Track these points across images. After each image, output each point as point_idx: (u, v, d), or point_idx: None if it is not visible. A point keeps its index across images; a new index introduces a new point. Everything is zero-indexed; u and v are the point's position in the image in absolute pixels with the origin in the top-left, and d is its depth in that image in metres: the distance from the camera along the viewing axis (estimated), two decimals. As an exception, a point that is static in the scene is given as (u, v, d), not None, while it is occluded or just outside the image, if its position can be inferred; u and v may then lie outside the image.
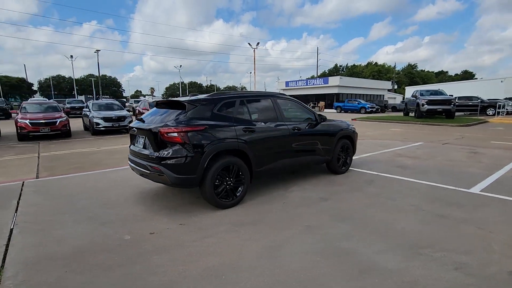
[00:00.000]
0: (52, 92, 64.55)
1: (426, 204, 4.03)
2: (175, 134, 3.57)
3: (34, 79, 75.49)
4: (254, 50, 37.36)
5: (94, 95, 54.80)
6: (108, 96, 54.84)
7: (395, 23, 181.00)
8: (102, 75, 77.73)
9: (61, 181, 5.57)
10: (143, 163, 3.88)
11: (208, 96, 4.19)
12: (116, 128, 13.30)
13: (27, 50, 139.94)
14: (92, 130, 13.08)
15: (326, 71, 76.54)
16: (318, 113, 5.51)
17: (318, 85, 39.77)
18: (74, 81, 53.97)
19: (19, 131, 11.40)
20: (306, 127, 5.01)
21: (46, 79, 70.89)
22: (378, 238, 3.08)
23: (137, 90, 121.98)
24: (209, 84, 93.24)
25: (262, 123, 4.39)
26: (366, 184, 5.05)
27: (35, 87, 69.26)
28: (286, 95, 5.24)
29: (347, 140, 5.81)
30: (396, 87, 63.12)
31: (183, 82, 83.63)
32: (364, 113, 29.86)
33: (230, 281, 2.38)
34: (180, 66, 71.41)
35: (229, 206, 3.95)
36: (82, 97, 45.45)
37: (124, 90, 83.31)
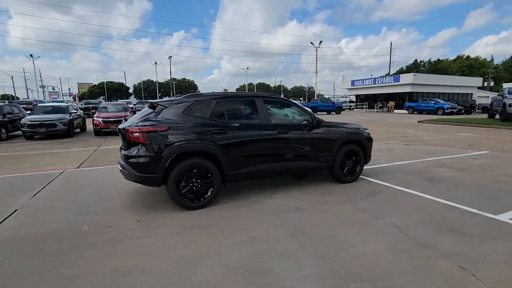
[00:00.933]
0: (143, 94, 73.96)
1: (417, 228, 3.27)
2: (138, 134, 3.69)
3: (131, 84, 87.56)
4: (316, 49, 36.12)
5: (172, 96, 61.04)
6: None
7: (498, 9, 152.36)
8: (182, 78, 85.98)
9: (89, 173, 6.33)
10: (120, 160, 4.13)
11: (181, 97, 4.20)
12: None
13: (130, 59, 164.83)
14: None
15: (404, 67, 69.11)
16: (318, 116, 5.02)
17: (387, 83, 36.02)
18: (156, 84, 60.80)
19: (94, 127, 13.35)
20: (297, 130, 4.60)
21: (139, 83, 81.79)
22: (316, 261, 2.62)
23: (213, 92, 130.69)
24: (277, 85, 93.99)
25: (238, 125, 4.20)
26: (365, 197, 4.38)
27: (130, 90, 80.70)
28: (278, 96, 4.91)
29: (355, 146, 5.12)
30: (492, 84, 53.16)
31: (251, 83, 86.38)
32: (442, 115, 25.96)
33: (125, 283, 2.34)
34: (247, 68, 73.77)
35: (195, 208, 3.90)
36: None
37: (199, 92, 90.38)
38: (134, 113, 18.55)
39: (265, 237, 3.11)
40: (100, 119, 13.32)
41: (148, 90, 77.89)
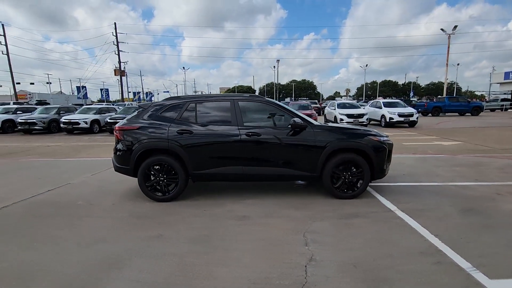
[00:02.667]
0: (276, 96, 79.78)
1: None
2: (116, 132, 4.33)
3: (257, 86, 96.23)
4: (449, 36, 29.19)
5: (293, 97, 63.11)
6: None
7: None
8: (302, 79, 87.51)
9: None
10: None
11: (162, 100, 4.58)
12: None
13: (264, 64, 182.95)
14: None
15: None
16: (309, 119, 4.40)
17: None
18: (275, 86, 64.40)
19: None
20: (275, 134, 4.20)
21: (263, 86, 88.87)
22: (157, 267, 2.47)
23: (336, 92, 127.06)
24: (406, 82, 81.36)
25: (205, 127, 4.23)
26: (333, 217, 3.60)
27: (257, 93, 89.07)
28: (258, 98, 4.58)
29: (354, 156, 4.19)
30: None
31: (374, 81, 78.48)
32: None
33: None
34: (366, 65, 67.15)
35: (160, 200, 4.24)
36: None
37: (320, 92, 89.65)
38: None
39: (170, 237, 3.12)
40: None
41: (270, 92, 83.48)
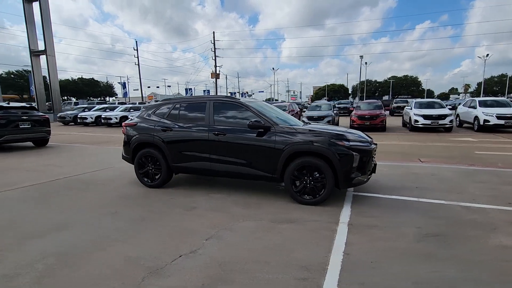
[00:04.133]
0: (364, 94, 74.56)
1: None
2: (123, 127, 5.28)
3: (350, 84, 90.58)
4: None
5: (390, 95, 57.02)
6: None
7: None
8: (404, 75, 77.28)
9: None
10: None
11: (160, 101, 5.27)
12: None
13: (365, 60, 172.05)
14: None
15: None
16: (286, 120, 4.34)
17: None
18: (365, 84, 59.19)
19: (350, 123, 14.58)
20: (237, 134, 4.34)
21: (357, 84, 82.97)
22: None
23: (452, 88, 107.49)
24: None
25: (182, 125, 4.71)
26: (272, 222, 3.54)
27: (350, 91, 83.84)
28: (230, 100, 4.73)
29: (315, 160, 3.93)
30: None
31: (503, 74, 62.26)
32: None
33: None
34: (487, 55, 53.59)
35: (150, 186, 4.97)
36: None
37: (426, 89, 76.99)
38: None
39: (121, 214, 3.75)
40: (357, 116, 14.57)
41: (366, 91, 77.23)
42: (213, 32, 43.31)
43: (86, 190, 4.86)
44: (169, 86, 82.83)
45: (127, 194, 4.67)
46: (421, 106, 14.49)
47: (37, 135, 10.25)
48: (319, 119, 15.20)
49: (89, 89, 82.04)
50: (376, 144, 4.48)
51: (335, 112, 17.23)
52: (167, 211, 3.91)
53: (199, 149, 4.59)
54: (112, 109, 22.33)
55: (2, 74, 65.26)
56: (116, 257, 2.68)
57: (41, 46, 28.00)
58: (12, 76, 64.67)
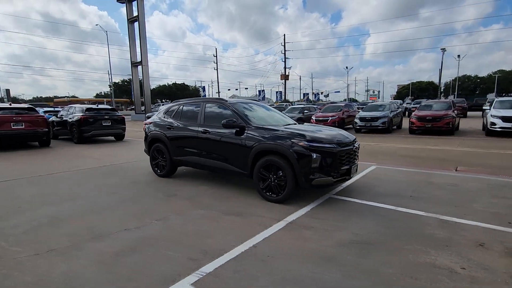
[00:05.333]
0: (456, 92, 64.24)
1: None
2: (143, 125, 6.26)
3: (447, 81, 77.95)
4: None
5: (495, 93, 47.50)
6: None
7: None
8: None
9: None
10: None
11: (172, 102, 6.03)
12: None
13: (471, 52, 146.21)
14: None
15: None
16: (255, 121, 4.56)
17: None
18: (456, 80, 50.14)
19: (410, 125, 13.19)
20: (218, 132, 4.74)
21: (451, 80, 71.16)
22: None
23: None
24: None
25: (180, 123, 5.35)
26: (222, 214, 3.85)
27: (442, 89, 72.52)
28: (217, 101, 5.11)
29: (276, 159, 4.03)
30: None
31: None
32: None
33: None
34: None
35: (160, 176, 5.80)
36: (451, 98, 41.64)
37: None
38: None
39: (122, 195, 4.61)
40: (416, 117, 13.00)
41: (461, 87, 65.61)
42: (284, 35, 44.22)
43: (110, 176, 6.00)
44: (246, 88, 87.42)
45: (137, 180, 5.58)
46: (502, 105, 11.92)
47: (115, 131, 12.62)
48: (372, 120, 14.17)
49: (180, 93, 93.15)
50: (352, 147, 4.25)
51: (397, 112, 15.65)
52: (152, 195, 4.61)
53: (191, 145, 5.17)
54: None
55: (118, 82, 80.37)
56: (83, 224, 3.45)
57: (139, 58, 33.45)
58: (125, 83, 78.92)
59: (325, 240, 2.97)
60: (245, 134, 4.41)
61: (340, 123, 15.81)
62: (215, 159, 4.84)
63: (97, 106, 13.13)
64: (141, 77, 33.83)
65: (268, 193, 4.20)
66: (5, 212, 3.86)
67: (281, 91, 61.41)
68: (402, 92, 73.23)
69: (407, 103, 31.47)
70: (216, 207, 4.04)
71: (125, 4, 34.21)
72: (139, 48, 32.64)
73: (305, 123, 5.48)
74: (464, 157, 7.60)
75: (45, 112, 15.69)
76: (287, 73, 43.91)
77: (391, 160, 7.36)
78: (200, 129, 5.00)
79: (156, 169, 5.90)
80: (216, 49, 54.08)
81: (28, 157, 8.52)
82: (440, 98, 46.17)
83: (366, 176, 5.73)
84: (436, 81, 63.99)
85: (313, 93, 74.09)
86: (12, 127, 9.93)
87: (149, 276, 2.35)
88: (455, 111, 13.38)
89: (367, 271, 2.41)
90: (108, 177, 5.88)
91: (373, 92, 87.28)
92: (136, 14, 32.43)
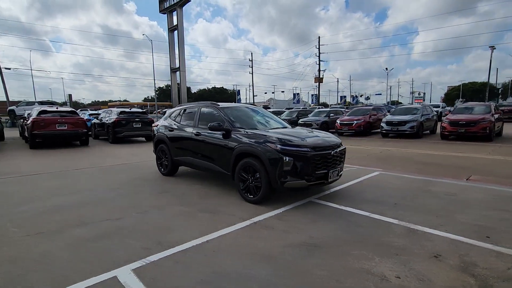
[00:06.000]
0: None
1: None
2: (152, 128, 6.78)
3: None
4: None
5: None
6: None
7: None
8: None
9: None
10: None
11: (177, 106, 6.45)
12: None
13: None
14: None
15: None
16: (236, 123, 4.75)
17: None
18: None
19: (441, 130, 12.25)
20: (207, 134, 5.00)
21: (508, 81, 63.39)
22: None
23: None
24: None
25: (179, 125, 5.73)
26: (197, 211, 4.10)
27: (500, 90, 64.94)
28: (210, 105, 5.37)
29: (253, 161, 4.17)
30: None
31: None
32: None
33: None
34: None
35: (164, 174, 6.25)
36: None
37: None
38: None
39: (121, 189, 5.11)
40: (448, 121, 11.83)
41: (509, 88, 58.06)
42: (318, 37, 43.31)
43: (122, 173, 6.60)
44: (282, 92, 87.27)
45: (142, 177, 6.09)
46: None
47: (145, 133, 13.63)
48: (399, 124, 13.43)
49: (219, 96, 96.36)
50: (331, 152, 4.22)
51: (429, 116, 14.56)
52: (147, 191, 5.03)
53: (187, 146, 5.52)
54: (304, 113, 21.65)
55: (163, 87, 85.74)
56: (77, 213, 3.94)
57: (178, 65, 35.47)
58: (169, 88, 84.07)
59: (277, 241, 3.05)
60: (230, 137, 4.61)
61: (366, 127, 15.22)
62: (205, 160, 5.12)
63: (130, 109, 14.32)
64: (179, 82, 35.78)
65: (246, 194, 4.35)
66: (21, 200, 4.54)
67: (316, 94, 60.30)
68: (452, 94, 67.11)
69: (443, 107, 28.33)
70: (197, 204, 4.29)
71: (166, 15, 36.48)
72: (178, 55, 34.73)
73: (297, 127, 5.51)
74: (489, 166, 6.92)
75: (90, 115, 17.46)
76: (321, 76, 43.09)
77: (402, 167, 6.99)
78: (194, 131, 5.32)
79: (161, 168, 6.37)
80: (251, 53, 55.25)
81: (66, 154, 9.67)
82: (496, 101, 41.42)
83: (362, 181, 5.57)
84: (493, 81, 57.70)
85: (351, 96, 71.50)
86: (57, 128, 11.32)
87: (102, 260, 2.68)
88: (496, 115, 12.09)
89: (299, 271, 2.47)
90: (119, 173, 6.49)
91: (419, 94, 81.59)
92: (176, 23, 34.55)
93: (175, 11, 34.58)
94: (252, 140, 4.27)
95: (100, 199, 4.58)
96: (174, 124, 5.97)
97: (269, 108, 40.90)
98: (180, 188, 5.20)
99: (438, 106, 25.26)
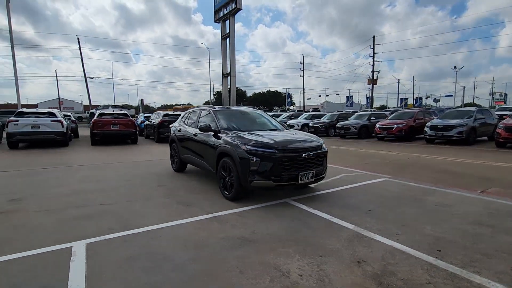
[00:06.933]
0: None
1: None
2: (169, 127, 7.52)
3: None
4: None
5: None
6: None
7: None
8: None
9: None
10: None
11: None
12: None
13: None
14: None
15: None
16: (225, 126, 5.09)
17: None
18: None
19: (495, 137, 10.98)
20: (201, 135, 5.43)
21: None
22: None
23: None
24: None
25: (187, 126, 6.29)
26: (178, 204, 4.55)
27: None
28: (206, 108, 5.75)
29: (229, 160, 4.45)
30: None
31: None
32: None
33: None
34: None
35: (175, 171, 6.92)
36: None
37: None
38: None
39: (131, 181, 5.89)
40: (504, 127, 10.44)
41: None
42: (373, 37, 40.60)
43: (144, 167, 7.47)
44: (337, 94, 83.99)
45: (156, 172, 6.83)
46: None
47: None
48: (444, 129, 12.09)
49: (273, 100, 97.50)
50: (302, 154, 4.24)
51: (485, 120, 12.71)
52: (149, 184, 5.68)
53: (189, 145, 6.05)
54: (345, 117, 21.27)
55: (220, 91, 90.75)
56: (84, 198, 4.73)
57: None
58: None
59: (219, 233, 3.29)
60: (218, 137, 4.96)
61: (408, 132, 14.03)
62: (200, 158, 5.57)
63: (173, 112, 15.75)
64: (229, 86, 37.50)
65: (224, 191, 4.65)
66: (54, 184, 5.61)
67: (371, 97, 56.63)
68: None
69: None
70: (180, 197, 4.75)
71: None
72: (229, 61, 36.51)
73: (288, 129, 5.56)
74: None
75: (145, 117, 19.70)
76: (375, 77, 40.44)
77: (417, 174, 6.44)
78: (193, 132, 5.83)
79: (173, 164, 7.06)
80: (303, 56, 54.47)
81: (115, 150, 11.21)
82: None
83: (359, 187, 5.38)
84: None
85: (414, 98, 65.23)
86: (111, 128, 13.16)
87: (72, 234, 3.26)
88: None
89: (216, 260, 2.68)
90: (141, 168, 7.38)
91: (500, 95, 70.33)
92: (228, 31, 36.41)
93: (228, 20, 36.48)
94: (230, 141, 4.56)
95: (109, 188, 5.38)
96: (182, 126, 6.58)
97: (319, 111, 39.98)
98: (176, 183, 5.75)
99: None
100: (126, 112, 15.02)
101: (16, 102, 20.26)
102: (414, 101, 64.05)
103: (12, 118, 11.81)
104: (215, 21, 39.65)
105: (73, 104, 75.60)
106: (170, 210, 4.11)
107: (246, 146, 4.21)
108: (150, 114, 20.67)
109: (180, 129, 6.60)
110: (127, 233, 3.29)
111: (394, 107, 54.93)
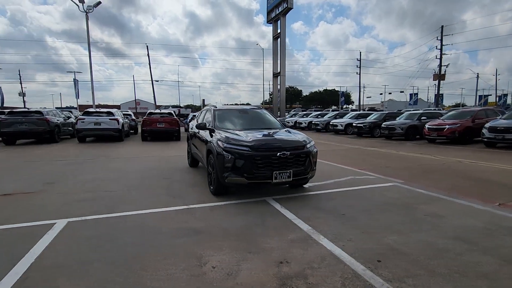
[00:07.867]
0: None
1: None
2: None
3: None
4: None
5: None
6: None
7: None
8: None
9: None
10: None
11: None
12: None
13: None
14: None
15: None
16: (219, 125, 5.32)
17: None
18: None
19: None
20: (202, 132, 5.76)
21: None
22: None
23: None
24: None
25: (194, 124, 6.69)
26: (167, 195, 4.95)
27: None
28: (212, 107, 5.98)
29: (212, 157, 4.67)
30: None
31: None
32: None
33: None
34: None
35: (189, 165, 7.44)
36: None
37: None
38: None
39: (143, 175, 6.56)
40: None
41: None
42: (442, 26, 35.87)
43: (166, 161, 8.17)
44: (401, 92, 76.74)
45: (173, 166, 7.43)
46: None
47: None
48: (506, 131, 10.28)
49: (330, 98, 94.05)
50: (277, 153, 4.20)
51: None
52: (158, 176, 6.25)
53: (194, 142, 6.47)
54: (342, 116, 21.93)
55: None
56: (96, 184, 5.49)
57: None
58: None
59: (177, 223, 3.53)
60: (210, 135, 5.23)
61: (463, 134, 12.25)
62: (200, 154, 5.92)
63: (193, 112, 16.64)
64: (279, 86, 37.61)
65: (210, 186, 4.89)
66: (83, 173, 6.59)
67: (442, 94, 50.36)
68: None
69: None
70: (173, 190, 5.15)
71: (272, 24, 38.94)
72: (279, 60, 36.63)
73: (285, 129, 5.48)
74: None
75: (193, 116, 21.23)
76: (443, 72, 35.73)
77: (436, 181, 5.72)
78: (197, 130, 6.21)
79: (188, 159, 7.59)
80: (360, 52, 51.11)
81: (157, 146, 12.37)
82: None
83: (355, 190, 5.09)
84: None
85: (497, 95, 55.73)
86: (157, 126, 14.60)
87: (61, 213, 3.87)
88: None
89: (155, 245, 2.93)
90: (163, 162, 8.10)
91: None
92: (279, 31, 36.52)
93: (279, 20, 36.58)
94: (215, 138, 4.77)
95: (123, 177, 6.10)
96: (194, 124, 7.03)
97: (376, 110, 37.25)
98: (181, 177, 6.19)
99: None
100: (171, 111, 16.42)
101: (102, 103, 23.86)
102: (497, 98, 54.74)
103: (80, 116, 14.07)
104: (267, 22, 40.39)
105: (147, 105, 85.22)
106: (156, 200, 4.51)
107: (223, 143, 4.37)
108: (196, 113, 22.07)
109: (192, 127, 7.06)
110: (106, 216, 3.77)
111: (468, 106, 47.83)
